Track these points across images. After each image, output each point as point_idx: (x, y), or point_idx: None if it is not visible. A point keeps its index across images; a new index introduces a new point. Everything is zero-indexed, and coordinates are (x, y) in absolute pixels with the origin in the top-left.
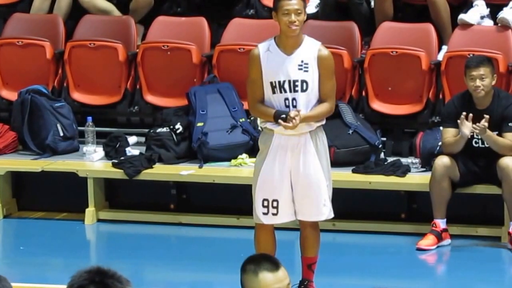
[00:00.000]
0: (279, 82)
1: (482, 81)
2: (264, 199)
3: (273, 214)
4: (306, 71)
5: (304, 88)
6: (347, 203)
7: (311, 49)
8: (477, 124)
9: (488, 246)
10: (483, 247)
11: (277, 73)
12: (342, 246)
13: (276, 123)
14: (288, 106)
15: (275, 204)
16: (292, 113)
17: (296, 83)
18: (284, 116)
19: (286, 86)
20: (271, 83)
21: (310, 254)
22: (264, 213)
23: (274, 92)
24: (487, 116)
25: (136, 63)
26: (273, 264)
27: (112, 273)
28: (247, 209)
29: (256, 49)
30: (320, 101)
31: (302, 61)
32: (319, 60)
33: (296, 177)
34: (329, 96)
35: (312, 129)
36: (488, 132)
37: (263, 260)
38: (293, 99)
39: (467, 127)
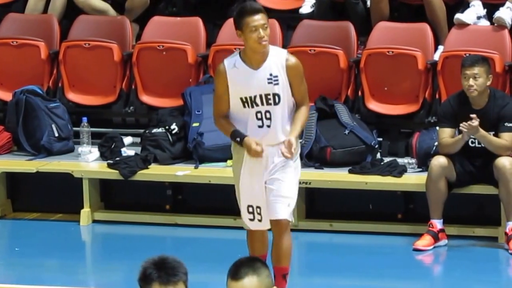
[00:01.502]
0: (250, 97)
1: (475, 81)
2: (249, 206)
3: (259, 221)
4: (277, 83)
5: (277, 101)
6: (343, 203)
7: (278, 60)
8: (464, 123)
9: (485, 247)
10: (480, 248)
11: (247, 89)
12: (339, 246)
13: (236, 141)
14: (260, 119)
15: (258, 210)
16: (284, 149)
17: (269, 97)
18: (239, 139)
19: (258, 100)
20: (241, 98)
21: (284, 264)
22: (250, 219)
23: (244, 107)
24: (474, 116)
25: (131, 63)
26: (239, 272)
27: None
28: None
29: (222, 65)
30: (295, 105)
31: (271, 74)
32: (288, 69)
33: (270, 181)
34: (304, 98)
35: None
36: (482, 132)
37: (235, 266)
38: (266, 111)
39: (461, 127)
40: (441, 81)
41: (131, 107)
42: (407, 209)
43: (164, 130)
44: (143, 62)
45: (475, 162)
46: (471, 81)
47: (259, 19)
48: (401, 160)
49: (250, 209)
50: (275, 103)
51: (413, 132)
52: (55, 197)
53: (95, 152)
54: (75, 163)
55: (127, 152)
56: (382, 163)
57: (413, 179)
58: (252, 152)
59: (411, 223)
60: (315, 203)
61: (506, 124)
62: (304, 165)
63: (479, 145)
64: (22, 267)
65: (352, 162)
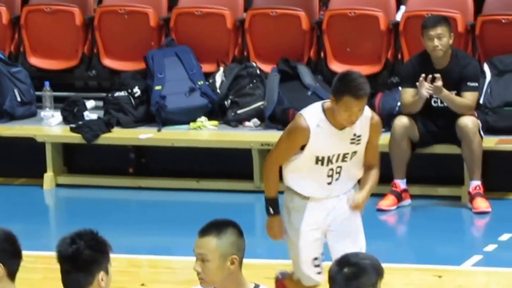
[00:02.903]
0: (328, 156)
1: (440, 41)
2: (315, 258)
3: (321, 271)
4: (359, 143)
5: (353, 157)
6: None
7: (363, 118)
8: (429, 84)
9: (448, 206)
10: (443, 207)
11: (327, 149)
12: None
13: (267, 209)
14: (331, 176)
15: (321, 261)
16: (350, 203)
17: (346, 155)
18: (272, 211)
19: (334, 159)
20: (317, 157)
21: None
22: (318, 273)
23: (317, 163)
24: (438, 75)
25: (93, 27)
26: (203, 229)
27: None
28: (206, 172)
29: (305, 123)
30: (367, 165)
31: (354, 134)
32: (372, 128)
33: (337, 227)
34: (376, 160)
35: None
36: (445, 91)
37: (208, 223)
38: (338, 167)
39: (425, 88)
40: (403, 42)
41: (93, 71)
42: None
43: (126, 94)
44: (104, 26)
45: (438, 122)
46: (436, 42)
47: (358, 104)
48: None
49: (316, 262)
50: (350, 159)
51: (375, 93)
52: (18, 161)
53: (57, 116)
54: (38, 128)
55: (90, 116)
56: None
57: None
58: (272, 233)
59: None
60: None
61: (468, 83)
62: (267, 127)
63: (442, 105)
64: None
65: None
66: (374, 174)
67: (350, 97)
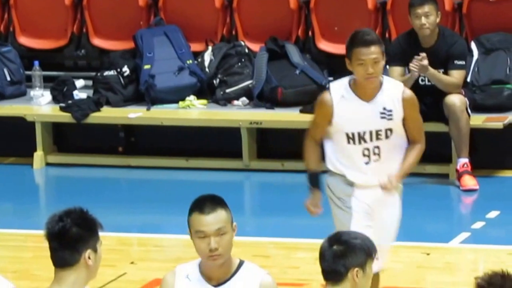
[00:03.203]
0: (359, 133)
1: (427, 19)
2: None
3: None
4: (391, 119)
5: (388, 135)
6: (295, 143)
7: (393, 92)
8: (414, 62)
9: (436, 184)
10: (432, 185)
11: (355, 124)
12: (292, 185)
13: (309, 187)
14: (367, 155)
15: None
16: (384, 182)
17: (380, 133)
18: (310, 186)
19: (367, 136)
20: (347, 134)
21: None
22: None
23: (349, 143)
24: (424, 55)
25: (82, 7)
26: (205, 207)
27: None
28: (196, 151)
29: (328, 95)
30: (409, 141)
31: (384, 108)
32: (404, 103)
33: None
34: (420, 134)
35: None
36: (431, 70)
37: (200, 201)
38: (375, 147)
39: (412, 67)
40: (391, 21)
41: (83, 50)
42: None
43: (115, 73)
44: (94, 5)
45: (425, 100)
46: (423, 20)
47: (369, 52)
48: None
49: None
50: (386, 137)
51: None
52: (7, 141)
53: (47, 95)
54: (27, 107)
55: (79, 95)
56: None
57: None
58: (307, 205)
59: None
60: (267, 143)
61: (455, 62)
62: (255, 105)
63: (429, 83)
64: None
65: (303, 101)
66: (415, 150)
67: (358, 47)
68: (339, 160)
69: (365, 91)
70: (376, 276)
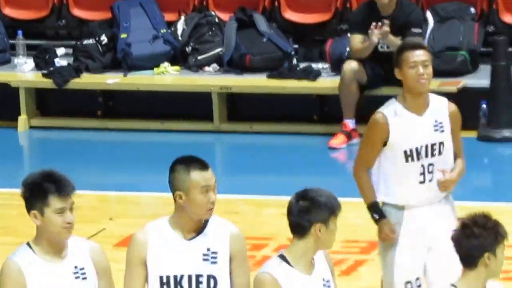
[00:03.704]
0: (416, 148)
1: None
2: (407, 282)
3: None
4: (442, 131)
5: (441, 150)
6: (263, 107)
7: (440, 105)
8: (377, 30)
9: None
10: None
11: (412, 140)
12: (260, 147)
13: (372, 217)
14: (422, 173)
15: (418, 283)
16: (443, 179)
17: (434, 147)
18: (377, 216)
19: (423, 152)
20: (405, 152)
21: None
22: None
23: (407, 161)
24: (386, 22)
25: None
26: (203, 164)
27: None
28: (169, 114)
29: (381, 115)
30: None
31: (436, 121)
32: (451, 116)
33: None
34: (462, 150)
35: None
36: (391, 37)
37: (193, 160)
38: (430, 164)
39: (375, 35)
40: None
41: (63, 21)
42: (322, 111)
43: (94, 42)
44: None
45: (385, 66)
46: None
47: (419, 54)
48: (315, 65)
49: (409, 286)
50: (439, 153)
51: (326, 39)
52: None
53: (30, 63)
54: (12, 74)
55: (60, 62)
56: (298, 68)
57: (327, 82)
58: (383, 237)
59: (325, 124)
60: (236, 107)
61: (412, 29)
62: (225, 71)
63: (388, 50)
64: None
65: (270, 67)
66: (460, 162)
67: (407, 51)
68: (390, 187)
69: (416, 104)
70: None
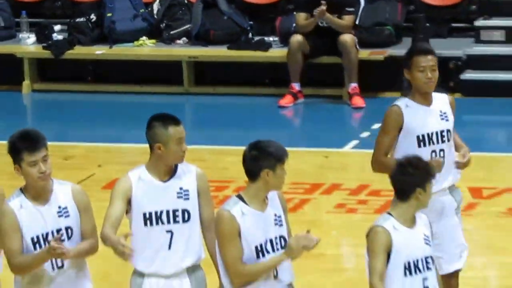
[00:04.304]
0: (428, 134)
1: None
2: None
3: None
4: (447, 120)
5: (449, 137)
6: (225, 72)
7: (441, 97)
8: (316, 10)
9: (333, 103)
10: (329, 104)
11: (424, 126)
12: (222, 106)
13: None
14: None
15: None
16: (460, 157)
17: (443, 133)
18: None
19: (434, 138)
20: (418, 137)
21: None
22: None
23: (420, 146)
24: (324, 2)
25: None
26: (176, 120)
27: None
28: (147, 79)
29: (395, 106)
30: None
31: (441, 111)
32: (452, 104)
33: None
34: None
35: (455, 181)
36: (327, 15)
37: (168, 118)
38: (441, 150)
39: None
40: None
41: (59, 2)
42: (273, 76)
43: (85, 20)
44: None
45: (324, 39)
46: None
47: (428, 60)
48: (267, 39)
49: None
50: (448, 140)
51: (276, 17)
52: (1, 73)
53: (32, 37)
54: (17, 46)
55: (57, 37)
56: (253, 41)
57: (277, 53)
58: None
59: (276, 87)
60: (202, 73)
61: (347, 9)
62: (193, 44)
63: (327, 25)
64: None
65: (230, 40)
66: (464, 145)
67: (417, 56)
68: None
69: (423, 99)
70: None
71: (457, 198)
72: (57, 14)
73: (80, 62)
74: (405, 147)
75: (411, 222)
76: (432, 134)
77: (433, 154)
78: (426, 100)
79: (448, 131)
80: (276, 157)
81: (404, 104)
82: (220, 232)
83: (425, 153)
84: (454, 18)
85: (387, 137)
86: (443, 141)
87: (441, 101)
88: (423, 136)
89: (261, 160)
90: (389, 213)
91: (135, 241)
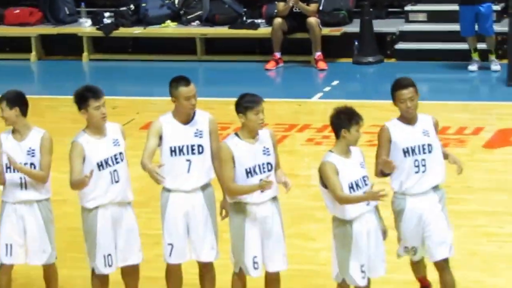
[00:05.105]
0: (411, 147)
1: None
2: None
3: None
4: (429, 136)
5: (430, 149)
6: (227, 45)
7: (426, 119)
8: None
9: (303, 66)
10: (301, 67)
11: (408, 140)
12: (225, 70)
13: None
14: (417, 167)
15: (415, 249)
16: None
17: (424, 147)
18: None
19: (417, 149)
20: (403, 149)
21: None
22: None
23: (405, 156)
24: None
25: None
26: (186, 81)
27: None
28: (171, 50)
29: (385, 126)
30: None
31: (424, 129)
32: (435, 125)
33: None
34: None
35: (438, 182)
36: (300, 3)
37: (181, 79)
38: (423, 159)
39: (292, 1)
40: None
41: None
42: (261, 47)
43: (126, 8)
44: None
45: (297, 20)
46: None
47: (407, 92)
48: (257, 21)
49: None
50: (430, 151)
51: (263, 5)
52: (67, 48)
53: (89, 21)
54: (78, 28)
55: (107, 21)
56: (246, 23)
57: (263, 31)
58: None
59: (263, 55)
60: (211, 46)
61: None
62: (203, 25)
63: (299, 11)
64: None
65: (230, 22)
66: (450, 153)
67: (399, 90)
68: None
69: (408, 120)
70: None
71: (440, 195)
72: (106, 4)
73: (123, 39)
74: (393, 156)
75: (347, 154)
76: (414, 147)
77: (416, 162)
78: (410, 121)
79: (429, 145)
80: (244, 105)
81: (393, 124)
82: (220, 158)
83: (408, 162)
84: (391, 4)
85: (381, 149)
86: (424, 153)
87: (425, 122)
88: (407, 148)
89: (241, 107)
90: (330, 151)
91: (164, 167)
